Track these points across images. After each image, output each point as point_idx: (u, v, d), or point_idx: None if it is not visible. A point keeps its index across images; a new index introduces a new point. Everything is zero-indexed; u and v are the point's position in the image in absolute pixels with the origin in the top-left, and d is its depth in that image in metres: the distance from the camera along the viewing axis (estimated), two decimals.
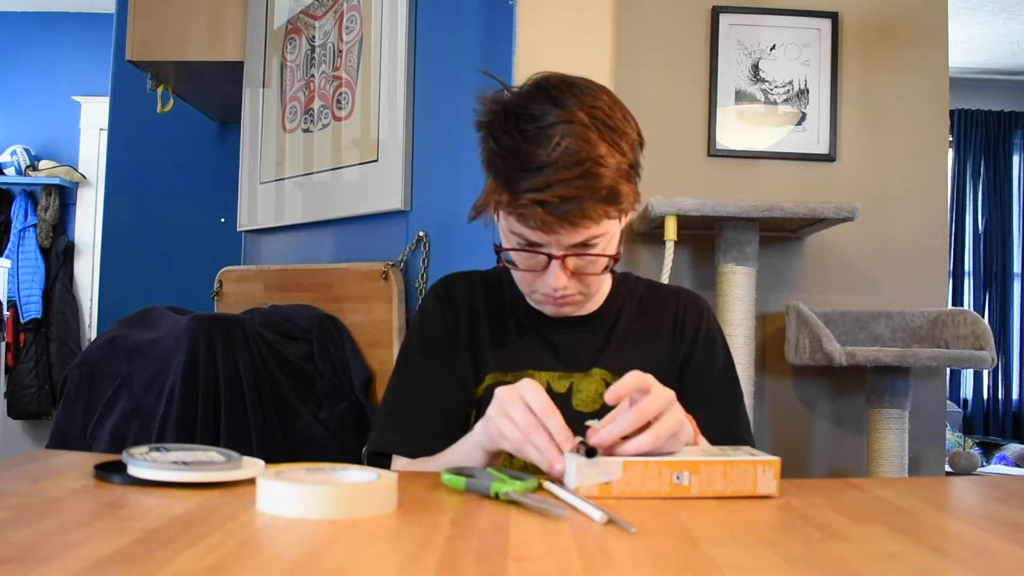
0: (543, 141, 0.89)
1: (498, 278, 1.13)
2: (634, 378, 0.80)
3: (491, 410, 0.85)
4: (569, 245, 0.94)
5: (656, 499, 0.76)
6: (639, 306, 1.13)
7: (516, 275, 1.03)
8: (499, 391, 0.86)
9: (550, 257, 0.95)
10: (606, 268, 1.00)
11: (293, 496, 0.65)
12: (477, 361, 1.08)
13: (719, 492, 0.78)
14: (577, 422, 1.01)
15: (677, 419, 0.81)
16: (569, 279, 0.97)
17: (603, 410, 0.95)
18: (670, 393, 0.82)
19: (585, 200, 0.89)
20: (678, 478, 0.78)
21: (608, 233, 0.96)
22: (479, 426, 0.90)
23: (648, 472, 0.78)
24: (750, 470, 0.79)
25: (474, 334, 1.10)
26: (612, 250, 0.99)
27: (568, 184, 0.88)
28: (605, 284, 1.12)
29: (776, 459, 0.80)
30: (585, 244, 0.95)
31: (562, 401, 1.03)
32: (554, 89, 0.93)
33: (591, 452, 0.78)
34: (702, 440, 0.95)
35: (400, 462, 1.06)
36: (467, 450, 0.93)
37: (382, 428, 1.09)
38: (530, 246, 0.96)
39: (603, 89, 0.98)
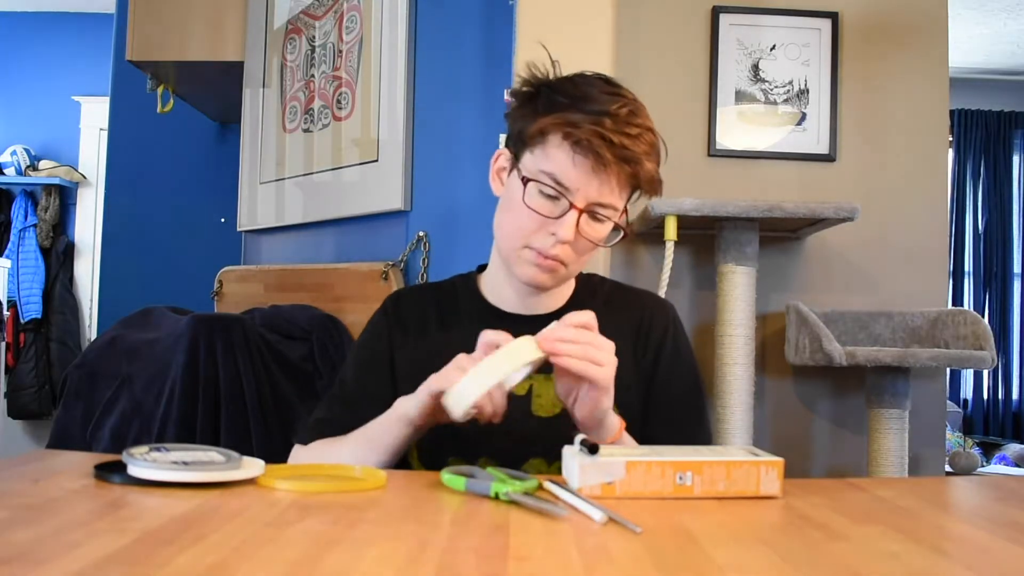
0: (608, 100, 0.95)
1: (452, 288, 1.13)
2: (579, 316, 0.88)
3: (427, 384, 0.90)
4: (595, 201, 0.97)
5: (658, 499, 0.76)
6: (604, 307, 1.09)
7: (514, 224, 1.01)
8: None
9: (571, 206, 0.96)
10: (605, 242, 1.02)
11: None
12: (429, 371, 1.02)
13: (722, 493, 0.78)
14: (536, 428, 1.01)
15: (612, 359, 0.87)
16: (574, 239, 0.98)
17: (563, 415, 0.95)
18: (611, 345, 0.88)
19: (643, 158, 0.95)
20: (681, 478, 0.78)
21: (618, 210, 0.99)
22: (403, 400, 0.94)
23: (651, 472, 0.78)
24: (753, 471, 0.79)
25: (426, 344, 1.08)
26: (620, 224, 1.01)
27: (636, 137, 0.94)
28: (568, 285, 1.12)
29: (779, 460, 0.80)
30: (603, 208, 0.98)
31: (521, 404, 1.02)
32: (608, 78, 1.01)
33: (594, 449, 0.78)
34: (626, 436, 0.95)
35: (299, 450, 1.08)
36: (386, 424, 0.96)
37: (307, 426, 1.10)
38: (555, 193, 0.97)
39: None
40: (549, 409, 1.03)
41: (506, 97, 1.09)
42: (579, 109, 0.95)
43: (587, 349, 0.85)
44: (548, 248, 0.98)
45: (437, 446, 1.01)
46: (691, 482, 0.78)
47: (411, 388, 0.95)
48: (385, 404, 1.00)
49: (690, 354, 1.13)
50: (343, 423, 1.04)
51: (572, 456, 0.80)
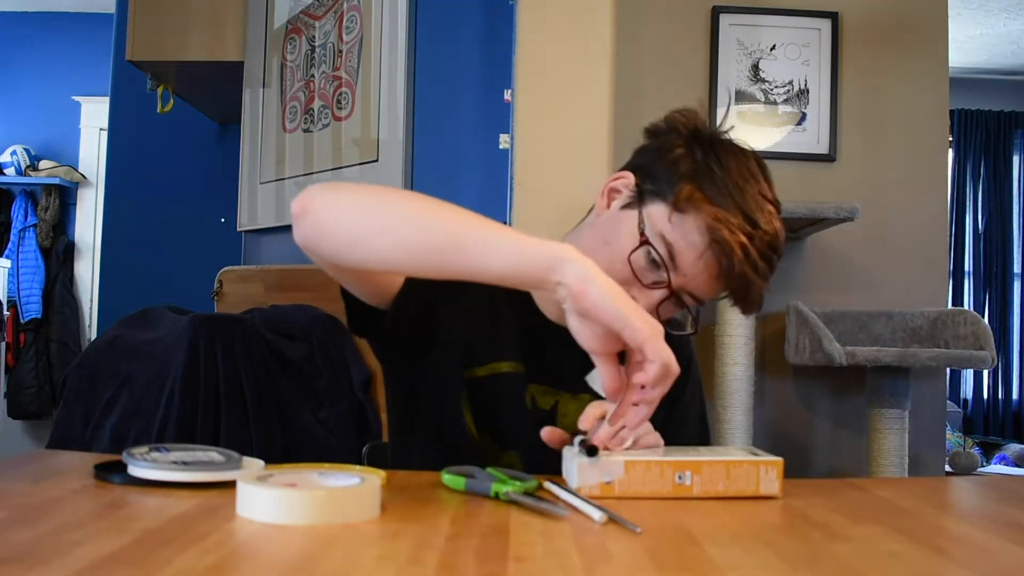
0: (762, 203, 0.87)
1: (489, 289, 1.07)
2: (597, 408, 0.81)
3: (604, 294, 0.72)
4: (687, 291, 0.89)
5: (658, 499, 0.76)
6: None
7: (604, 263, 0.82)
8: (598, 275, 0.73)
9: (669, 287, 0.88)
10: (667, 324, 0.88)
11: (269, 502, 0.63)
12: (460, 365, 0.99)
13: (721, 492, 0.78)
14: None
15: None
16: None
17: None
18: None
19: (762, 284, 0.87)
20: (680, 478, 0.78)
21: (703, 303, 0.93)
22: (576, 256, 0.73)
23: (650, 472, 0.77)
24: (753, 470, 0.78)
25: (462, 334, 1.01)
26: (694, 315, 0.93)
27: (767, 263, 0.87)
28: None
29: (779, 460, 0.80)
30: (691, 298, 0.91)
31: (547, 419, 0.98)
32: (763, 165, 0.92)
33: (592, 451, 0.77)
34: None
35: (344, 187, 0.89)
36: (513, 246, 0.75)
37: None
38: (665, 267, 0.88)
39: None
40: (572, 416, 0.99)
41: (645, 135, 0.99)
42: (735, 205, 0.86)
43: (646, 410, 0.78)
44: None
45: (480, 418, 0.99)
46: (690, 482, 0.78)
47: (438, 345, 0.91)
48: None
49: (701, 393, 1.12)
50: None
51: (571, 456, 0.80)
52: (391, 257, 0.78)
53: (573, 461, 0.78)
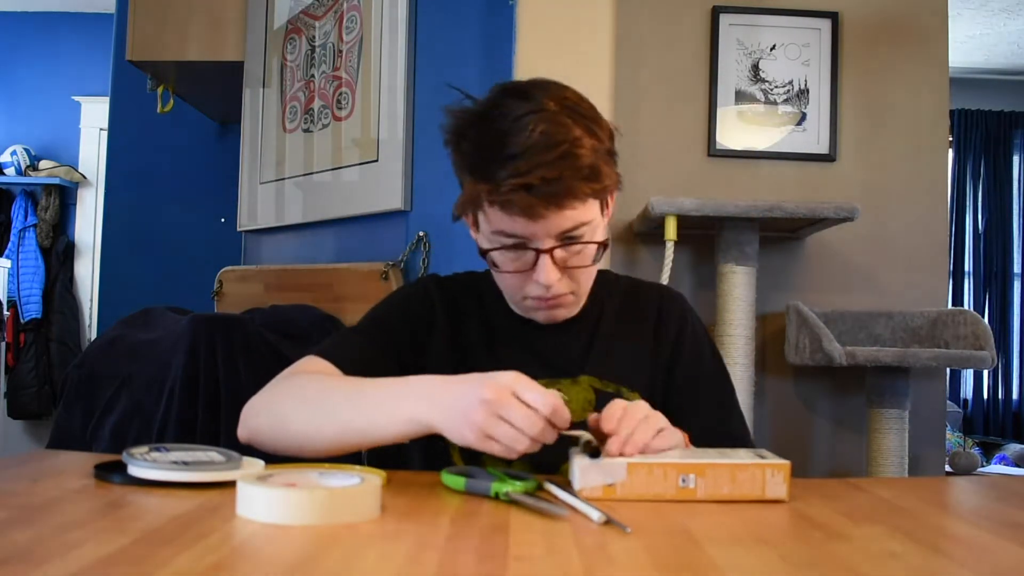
0: (518, 130, 0.88)
1: (476, 284, 1.10)
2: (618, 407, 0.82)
3: (464, 404, 0.77)
4: (556, 234, 0.92)
5: (660, 502, 0.76)
6: (621, 305, 1.10)
7: (504, 282, 0.99)
8: (470, 379, 0.79)
9: (538, 252, 0.93)
10: (595, 260, 0.97)
11: (270, 502, 0.63)
12: (457, 368, 1.02)
13: (726, 496, 0.76)
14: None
15: (656, 417, 0.82)
16: (560, 276, 0.95)
17: None
18: (641, 403, 0.84)
19: (568, 179, 0.88)
20: (684, 481, 0.76)
21: (593, 222, 0.94)
22: (423, 404, 0.81)
23: (653, 475, 0.76)
24: (758, 474, 0.77)
25: (455, 338, 1.06)
26: (599, 239, 0.96)
27: (549, 166, 0.87)
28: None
29: (786, 463, 0.78)
30: (571, 233, 0.93)
31: None
32: (516, 88, 0.94)
33: (595, 453, 0.77)
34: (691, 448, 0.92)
35: (290, 370, 0.99)
36: (385, 418, 0.83)
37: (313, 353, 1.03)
38: (516, 244, 0.93)
39: (562, 83, 0.98)
40: (580, 414, 1.01)
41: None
42: (491, 159, 0.89)
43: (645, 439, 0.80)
44: (545, 292, 0.96)
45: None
46: (694, 485, 0.76)
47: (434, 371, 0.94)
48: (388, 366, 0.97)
49: (710, 341, 1.12)
50: (353, 359, 0.98)
51: (574, 457, 0.80)
52: (319, 455, 0.89)
53: (576, 463, 0.78)
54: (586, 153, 0.89)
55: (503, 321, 1.06)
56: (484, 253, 0.97)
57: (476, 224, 0.99)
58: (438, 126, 1.02)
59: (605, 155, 0.94)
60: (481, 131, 0.92)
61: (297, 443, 0.89)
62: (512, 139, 0.88)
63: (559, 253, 0.94)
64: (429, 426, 0.80)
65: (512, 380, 0.78)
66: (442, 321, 1.06)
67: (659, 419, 0.83)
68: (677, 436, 0.86)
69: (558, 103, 0.91)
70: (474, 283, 1.10)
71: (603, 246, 0.96)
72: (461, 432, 0.78)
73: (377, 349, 1.02)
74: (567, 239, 0.93)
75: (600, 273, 1.14)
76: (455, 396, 0.79)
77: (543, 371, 1.00)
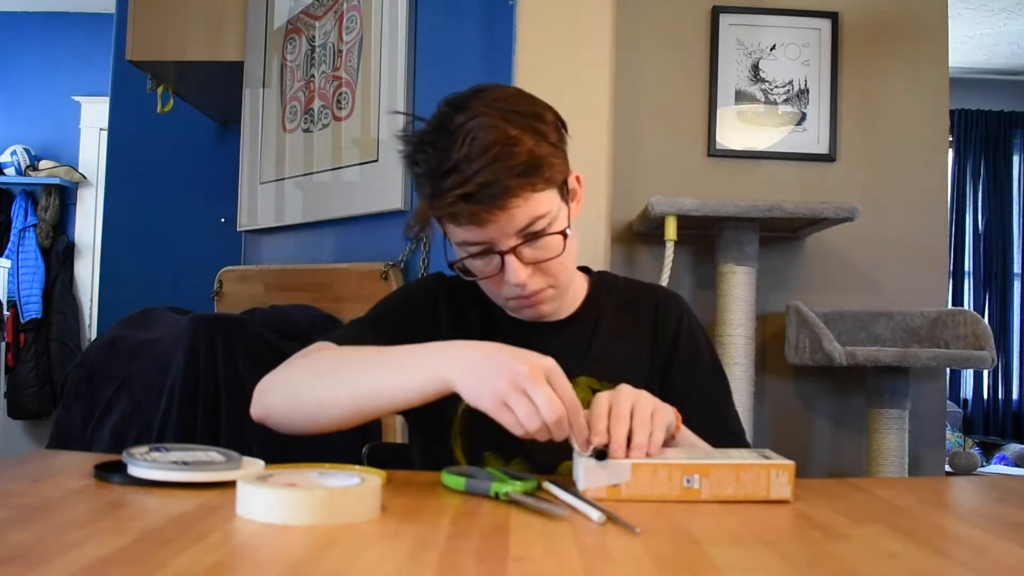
0: (453, 144, 0.90)
1: (473, 286, 1.10)
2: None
3: (491, 368, 0.78)
4: (514, 233, 0.93)
5: (662, 502, 0.76)
6: (619, 305, 1.11)
7: (484, 287, 1.01)
8: (505, 349, 0.80)
9: (501, 254, 0.94)
10: (562, 251, 0.96)
11: (270, 502, 0.63)
12: None
13: (730, 496, 0.76)
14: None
15: (643, 403, 0.82)
16: (531, 272, 0.96)
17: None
18: (624, 392, 0.83)
19: (504, 179, 0.89)
20: (688, 481, 0.76)
21: (550, 213, 0.94)
22: (446, 359, 0.81)
23: (657, 475, 0.76)
24: (763, 474, 0.76)
25: (456, 336, 1.04)
26: (559, 228, 0.96)
27: (483, 171, 0.89)
28: (579, 281, 1.10)
29: (790, 463, 0.77)
30: (529, 228, 0.93)
31: None
32: (457, 99, 0.95)
33: (601, 455, 0.77)
34: (685, 430, 0.92)
35: (299, 354, 1.01)
36: (404, 376, 0.83)
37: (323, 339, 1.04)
38: (480, 250, 0.95)
39: (508, 86, 0.99)
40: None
41: None
42: (434, 175, 0.92)
43: (642, 426, 0.80)
44: (521, 292, 0.97)
45: (478, 440, 1.00)
46: (699, 485, 0.76)
47: None
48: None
49: (707, 340, 1.12)
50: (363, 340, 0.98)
51: (578, 457, 0.79)
52: (332, 424, 0.90)
53: (580, 463, 0.78)
54: (521, 151, 0.90)
55: (502, 322, 1.07)
56: (452, 265, 0.99)
57: (446, 235, 1.01)
58: (402, 129, 1.03)
59: (549, 147, 0.94)
60: (425, 151, 0.94)
61: (311, 414, 0.90)
62: (450, 153, 0.90)
63: (524, 250, 0.95)
64: (448, 382, 0.80)
65: (550, 365, 0.79)
66: (444, 319, 1.07)
67: (646, 404, 0.82)
68: (669, 413, 0.86)
69: (491, 107, 0.92)
70: (471, 285, 1.10)
71: (563, 234, 0.96)
72: (478, 393, 0.77)
73: (384, 341, 1.02)
74: (528, 235, 0.94)
75: (598, 274, 1.15)
76: (483, 358, 0.80)
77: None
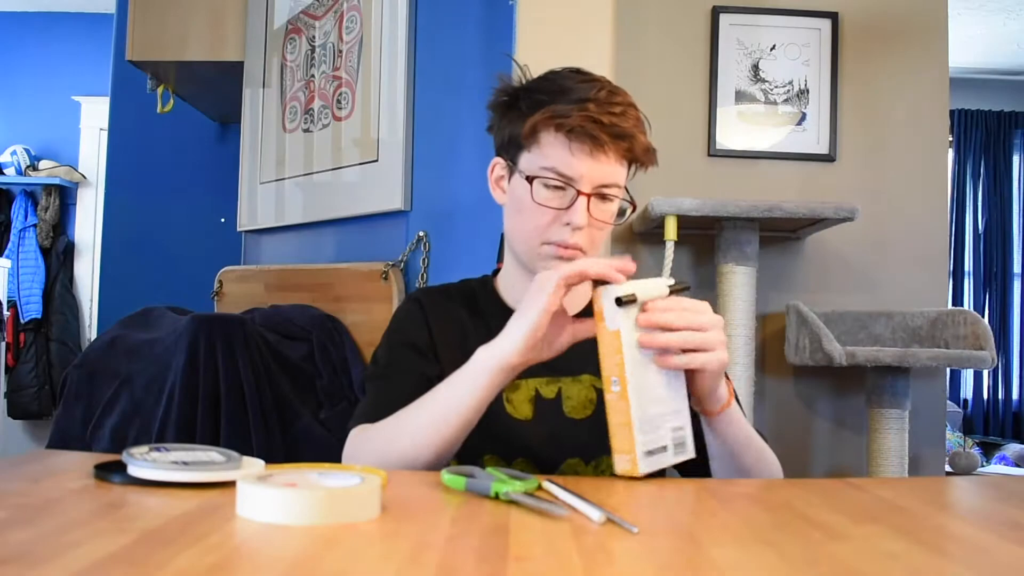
0: (587, 84, 0.98)
1: (471, 291, 1.12)
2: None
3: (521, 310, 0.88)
4: (597, 184, 0.98)
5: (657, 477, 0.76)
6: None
7: (530, 222, 1.01)
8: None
9: (579, 193, 0.98)
10: (612, 223, 1.02)
11: (270, 502, 0.63)
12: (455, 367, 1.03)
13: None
14: (570, 429, 1.00)
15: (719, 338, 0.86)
16: (589, 222, 0.99)
17: (594, 416, 0.97)
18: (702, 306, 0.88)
19: (635, 131, 0.98)
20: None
21: (621, 187, 1.01)
22: (489, 348, 0.89)
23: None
24: None
25: (451, 343, 1.07)
26: (623, 206, 1.03)
27: (615, 114, 0.96)
28: (587, 284, 1.11)
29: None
30: (606, 189, 0.99)
31: (553, 407, 1.02)
32: (579, 69, 1.03)
33: (619, 301, 0.81)
34: (735, 406, 0.94)
35: (357, 434, 1.01)
36: (470, 377, 0.89)
37: (355, 416, 1.05)
38: (560, 183, 0.98)
39: None
40: (580, 411, 1.03)
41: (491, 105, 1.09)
42: (562, 101, 0.97)
43: (689, 335, 0.84)
44: (567, 239, 0.99)
45: (475, 445, 1.00)
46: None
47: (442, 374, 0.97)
48: (428, 382, 0.98)
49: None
50: (393, 399, 1.00)
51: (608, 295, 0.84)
52: (424, 456, 0.90)
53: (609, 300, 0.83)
54: (640, 116, 1.01)
55: (501, 322, 1.06)
56: (530, 180, 1.00)
57: (512, 166, 1.03)
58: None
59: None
60: (549, 82, 1.01)
61: (405, 460, 0.91)
62: (584, 87, 0.98)
63: (593, 202, 0.99)
64: (506, 356, 0.87)
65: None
66: (436, 329, 1.08)
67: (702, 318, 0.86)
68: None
69: (613, 82, 1.01)
70: (468, 290, 1.12)
71: (631, 206, 1.04)
72: (527, 318, 0.87)
73: (405, 382, 1.05)
74: (603, 194, 0.99)
75: None
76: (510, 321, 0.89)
77: (543, 369, 1.00)
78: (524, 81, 1.04)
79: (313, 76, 2.50)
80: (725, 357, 0.86)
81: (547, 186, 0.99)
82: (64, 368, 4.17)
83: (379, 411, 1.00)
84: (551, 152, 0.98)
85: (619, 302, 0.81)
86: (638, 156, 1.00)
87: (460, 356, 1.03)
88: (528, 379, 1.03)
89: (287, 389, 1.91)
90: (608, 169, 0.98)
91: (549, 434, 0.99)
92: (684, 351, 0.84)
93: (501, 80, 1.05)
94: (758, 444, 0.96)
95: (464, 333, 1.08)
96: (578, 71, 1.02)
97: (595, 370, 1.03)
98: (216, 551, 0.55)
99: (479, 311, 1.10)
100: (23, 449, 4.12)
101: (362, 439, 0.96)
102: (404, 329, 1.09)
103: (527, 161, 1.01)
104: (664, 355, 0.84)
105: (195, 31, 2.75)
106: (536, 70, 1.05)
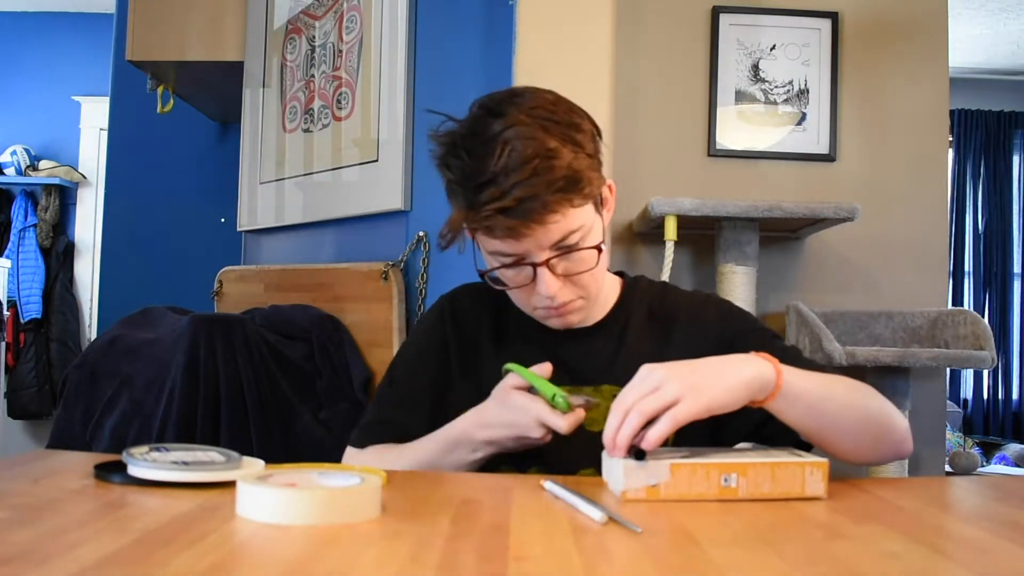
0: (490, 153, 0.89)
1: (497, 293, 1.08)
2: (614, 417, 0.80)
3: (491, 414, 0.92)
4: (549, 246, 0.92)
5: (704, 501, 0.76)
6: (649, 312, 1.07)
7: (513, 296, 1.01)
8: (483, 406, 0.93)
9: (534, 266, 0.93)
10: (596, 264, 0.96)
11: (270, 502, 0.63)
12: (483, 378, 1.02)
13: (767, 494, 0.77)
14: (587, 439, 0.95)
15: (640, 387, 0.79)
16: (562, 284, 0.95)
17: None
18: (641, 373, 0.81)
19: (543, 194, 0.88)
20: (726, 480, 0.77)
21: (584, 226, 0.94)
22: (468, 425, 0.94)
23: (695, 475, 0.76)
24: (798, 471, 0.78)
25: (479, 350, 1.07)
26: (594, 242, 0.95)
27: (522, 185, 0.87)
28: (609, 288, 1.08)
29: (824, 461, 0.79)
30: (564, 242, 0.93)
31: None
32: (493, 103, 0.94)
33: (640, 455, 0.77)
34: (787, 375, 0.83)
35: (353, 455, 1.05)
36: (445, 445, 0.95)
37: (361, 429, 1.08)
38: (512, 261, 0.94)
39: (544, 91, 0.97)
40: (600, 423, 1.00)
41: None
42: (468, 185, 0.90)
43: (663, 422, 0.77)
44: (550, 303, 0.96)
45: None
46: (736, 484, 0.77)
47: (465, 390, 1.00)
48: (437, 400, 1.02)
49: (754, 321, 1.08)
50: (397, 425, 1.04)
51: (613, 460, 0.79)
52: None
53: (617, 464, 0.77)
54: (561, 164, 0.89)
55: (528, 329, 1.06)
56: (483, 275, 0.98)
57: (476, 243, 1.00)
58: (435, 128, 1.02)
59: (586, 159, 0.93)
60: (458, 158, 0.93)
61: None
62: (486, 163, 0.89)
63: (557, 263, 0.94)
64: (479, 436, 0.94)
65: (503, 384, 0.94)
66: (454, 337, 1.08)
67: (644, 385, 0.79)
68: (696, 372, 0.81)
69: (529, 115, 0.91)
70: (495, 292, 1.08)
71: (597, 249, 0.96)
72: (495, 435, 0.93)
73: (408, 395, 1.08)
74: (562, 248, 0.93)
75: (632, 279, 1.12)
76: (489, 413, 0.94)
77: (566, 378, 0.99)
78: (446, 139, 0.97)
79: (313, 76, 2.50)
80: (690, 399, 0.77)
81: (506, 267, 0.95)
82: (64, 368, 4.17)
83: (377, 430, 1.05)
84: (487, 243, 0.94)
85: (639, 456, 0.76)
86: (574, 198, 0.91)
87: (480, 359, 1.05)
88: None
89: (287, 389, 1.91)
90: (548, 233, 0.91)
91: (565, 443, 0.95)
92: (648, 423, 0.77)
93: (433, 141, 0.98)
94: (838, 398, 0.87)
95: (480, 339, 1.08)
96: (493, 111, 0.92)
97: (618, 381, 1.02)
98: (216, 551, 0.55)
99: (508, 323, 1.08)
100: (23, 449, 4.12)
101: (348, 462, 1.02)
102: (420, 343, 1.11)
103: (479, 242, 0.97)
104: (643, 442, 0.77)
105: (195, 31, 2.75)
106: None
